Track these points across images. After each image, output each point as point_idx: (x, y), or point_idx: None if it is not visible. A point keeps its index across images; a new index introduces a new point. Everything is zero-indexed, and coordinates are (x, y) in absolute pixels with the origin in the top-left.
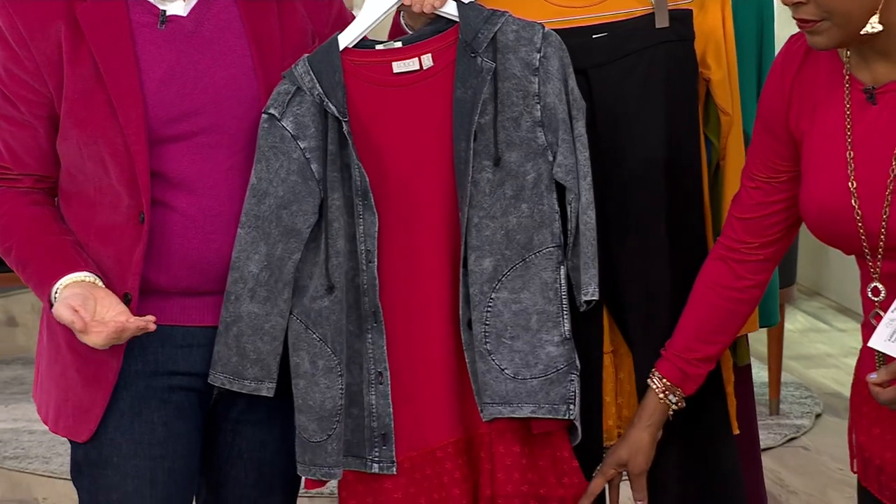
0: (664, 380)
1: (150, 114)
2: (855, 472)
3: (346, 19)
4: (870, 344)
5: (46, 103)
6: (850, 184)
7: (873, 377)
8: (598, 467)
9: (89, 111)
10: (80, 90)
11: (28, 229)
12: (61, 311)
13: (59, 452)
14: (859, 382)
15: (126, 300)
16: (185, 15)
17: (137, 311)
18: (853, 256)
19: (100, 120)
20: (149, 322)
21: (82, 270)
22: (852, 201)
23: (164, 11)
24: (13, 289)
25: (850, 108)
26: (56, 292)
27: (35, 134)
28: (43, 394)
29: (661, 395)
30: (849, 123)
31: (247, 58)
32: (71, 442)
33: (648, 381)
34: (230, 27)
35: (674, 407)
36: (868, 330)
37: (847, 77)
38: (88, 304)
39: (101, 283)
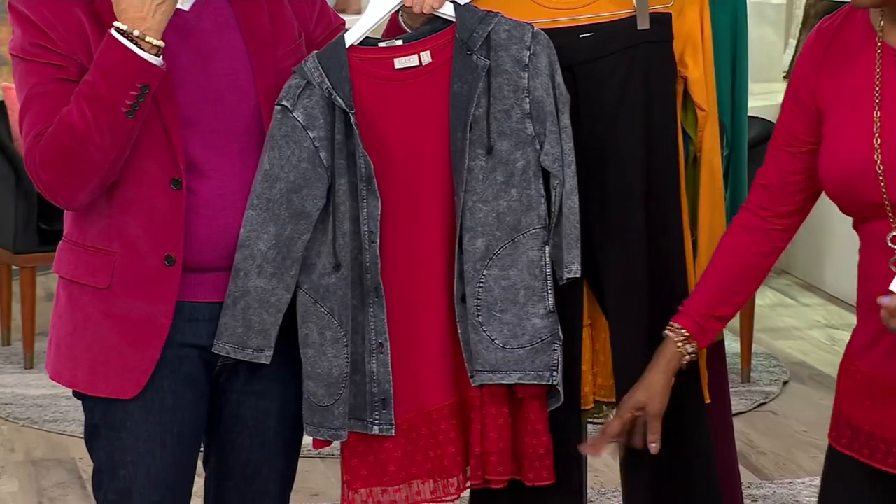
0: (682, 329)
1: (175, 94)
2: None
3: (328, 16)
4: (893, 287)
5: (86, 68)
6: (874, 140)
7: (885, 300)
8: (616, 411)
9: None
10: None
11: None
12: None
13: None
14: (848, 360)
15: (170, 262)
16: (187, 10)
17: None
18: (818, 241)
19: None
20: None
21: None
22: (875, 156)
23: None
24: None
25: (881, 72)
26: (123, 27)
27: None
28: (67, 362)
29: (679, 343)
30: (878, 85)
31: (242, 51)
32: (86, 407)
33: (666, 331)
34: (227, 24)
35: (687, 356)
36: (875, 282)
37: (879, 44)
38: None
39: None
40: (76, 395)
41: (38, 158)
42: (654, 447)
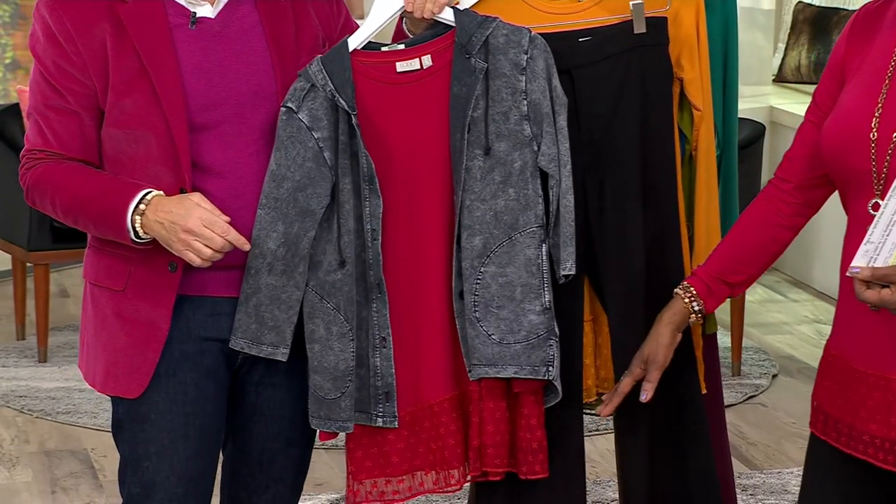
0: (690, 287)
1: (186, 102)
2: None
3: (351, 26)
4: (855, 261)
5: (91, 95)
6: (876, 109)
7: (856, 271)
8: (627, 370)
9: (135, 99)
10: (125, 80)
11: (72, 175)
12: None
13: (106, 409)
14: (829, 353)
15: (172, 268)
16: (213, 17)
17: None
18: (807, 239)
19: (144, 107)
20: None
21: (151, 188)
22: (873, 123)
23: (195, 13)
24: (66, 264)
25: None
26: (142, 205)
27: (81, 122)
28: (90, 361)
29: (686, 300)
30: (894, 60)
31: (266, 57)
32: (112, 401)
33: (675, 290)
34: (253, 30)
35: (693, 315)
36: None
37: None
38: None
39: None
40: None
41: (26, 183)
42: (644, 395)
